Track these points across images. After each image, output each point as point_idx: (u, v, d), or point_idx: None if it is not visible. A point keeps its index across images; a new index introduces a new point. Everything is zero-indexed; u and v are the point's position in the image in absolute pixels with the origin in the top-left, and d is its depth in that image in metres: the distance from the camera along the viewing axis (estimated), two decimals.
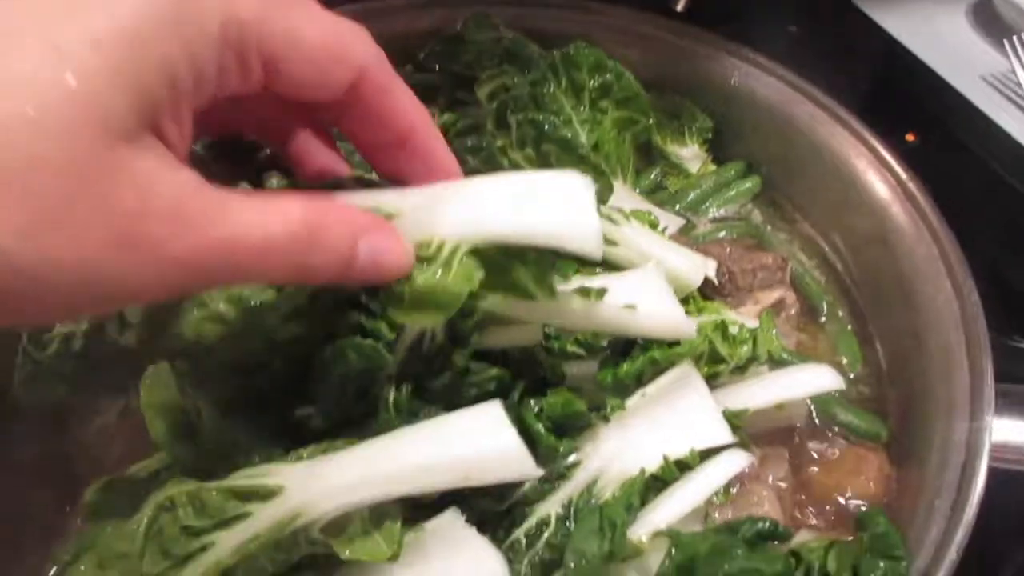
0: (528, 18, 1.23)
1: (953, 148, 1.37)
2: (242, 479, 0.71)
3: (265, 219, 0.55)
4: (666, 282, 0.87)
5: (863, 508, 0.86)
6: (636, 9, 1.20)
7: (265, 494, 0.70)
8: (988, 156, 1.36)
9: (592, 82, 1.05)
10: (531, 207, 0.67)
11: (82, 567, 0.73)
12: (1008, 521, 0.96)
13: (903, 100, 1.44)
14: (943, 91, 1.46)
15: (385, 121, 0.66)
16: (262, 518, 0.69)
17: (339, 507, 0.70)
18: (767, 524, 0.71)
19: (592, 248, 0.66)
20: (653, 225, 0.90)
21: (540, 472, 0.75)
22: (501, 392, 0.78)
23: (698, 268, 0.91)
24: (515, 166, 1.00)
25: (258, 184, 0.85)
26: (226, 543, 0.69)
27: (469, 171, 0.98)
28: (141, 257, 0.48)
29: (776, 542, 0.72)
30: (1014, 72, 1.47)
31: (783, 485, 0.90)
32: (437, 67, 1.16)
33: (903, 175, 0.97)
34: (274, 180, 0.85)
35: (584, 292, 0.77)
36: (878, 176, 0.99)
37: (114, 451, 0.91)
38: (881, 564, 0.66)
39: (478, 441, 0.70)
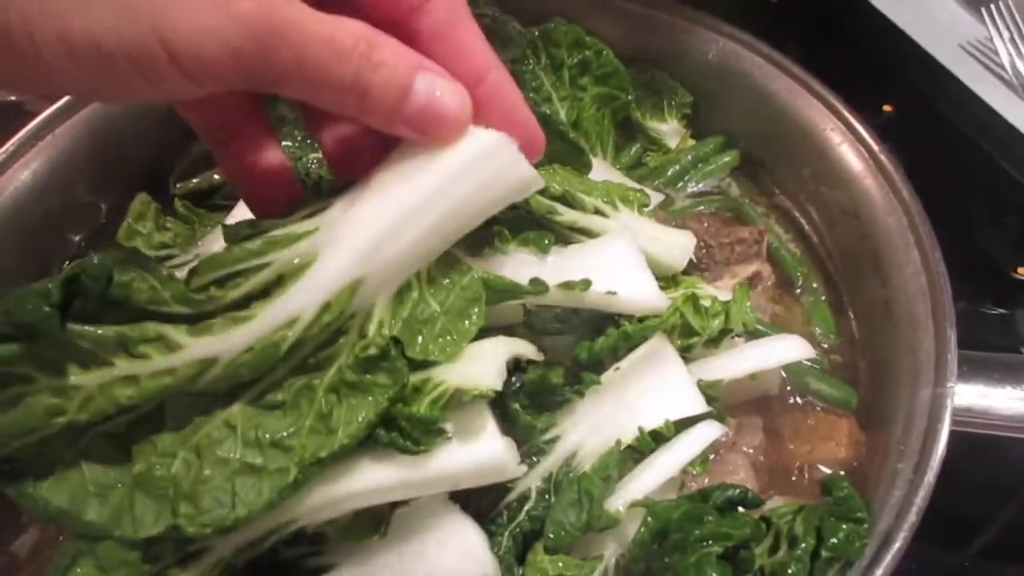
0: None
1: (930, 118, 1.39)
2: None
3: (333, 24, 0.54)
4: (640, 255, 0.89)
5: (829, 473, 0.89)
6: None
7: None
8: (965, 125, 1.38)
9: (571, 59, 1.06)
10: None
11: (82, 570, 0.71)
12: (977, 485, 1.00)
13: (881, 71, 1.45)
14: (921, 60, 1.48)
15: (457, 52, 0.63)
16: (257, 526, 0.71)
17: (333, 515, 0.74)
18: (737, 491, 0.74)
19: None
20: (643, 204, 0.92)
21: (524, 469, 0.78)
22: None
23: (684, 250, 0.93)
24: None
25: None
26: (221, 547, 0.72)
27: None
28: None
29: (746, 508, 0.75)
30: (991, 40, 1.48)
31: (757, 454, 0.93)
32: None
33: (876, 148, 0.99)
34: None
35: (569, 285, 0.79)
36: (851, 149, 1.01)
37: None
38: (844, 527, 0.68)
39: (466, 452, 0.72)
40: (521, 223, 0.92)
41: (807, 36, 1.50)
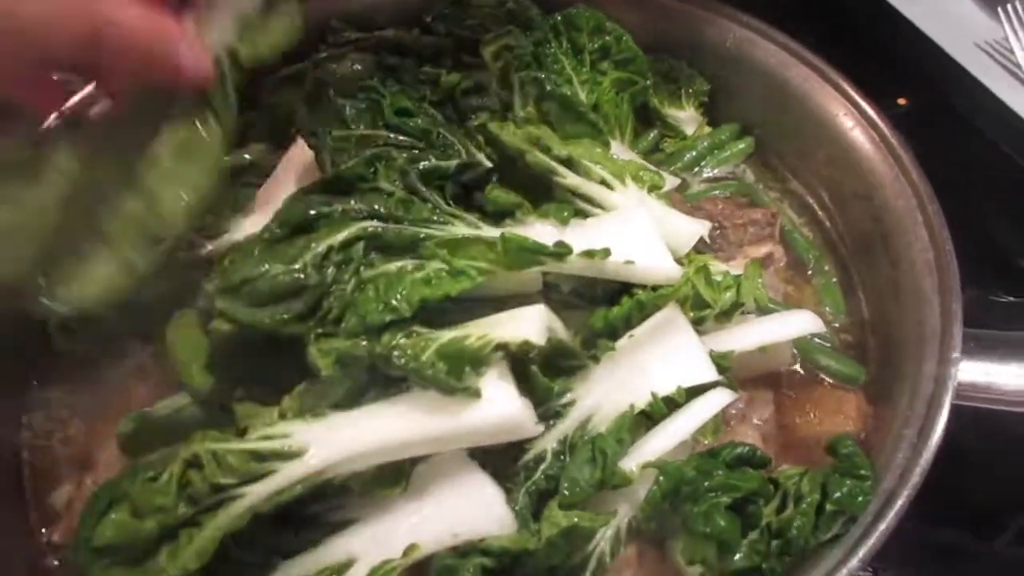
0: None
1: (944, 112, 1.41)
2: (262, 442, 0.78)
3: None
4: (654, 228, 0.93)
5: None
6: None
7: (287, 455, 0.76)
8: (979, 120, 1.40)
9: (592, 44, 1.09)
10: None
11: (117, 515, 0.77)
12: (983, 464, 1.02)
13: (897, 65, 1.47)
14: (937, 56, 1.50)
15: None
16: (287, 474, 0.76)
17: (359, 467, 0.78)
18: (746, 449, 0.77)
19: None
20: (656, 186, 0.96)
21: (541, 428, 0.82)
22: None
23: (690, 235, 0.97)
24: (518, 122, 1.04)
25: None
26: (253, 495, 0.76)
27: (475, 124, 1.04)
28: None
29: (754, 467, 0.78)
30: (1007, 39, 1.50)
31: (767, 426, 0.95)
32: (444, 30, 1.20)
33: (886, 131, 1.02)
34: None
35: (590, 253, 0.83)
36: (863, 133, 1.04)
37: (142, 389, 0.97)
38: (848, 482, 0.71)
39: (487, 409, 0.77)
40: (527, 179, 0.96)
41: (822, 31, 1.52)
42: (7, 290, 0.87)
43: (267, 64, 1.22)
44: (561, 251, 0.83)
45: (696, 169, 1.19)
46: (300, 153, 1.13)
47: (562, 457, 0.85)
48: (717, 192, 1.16)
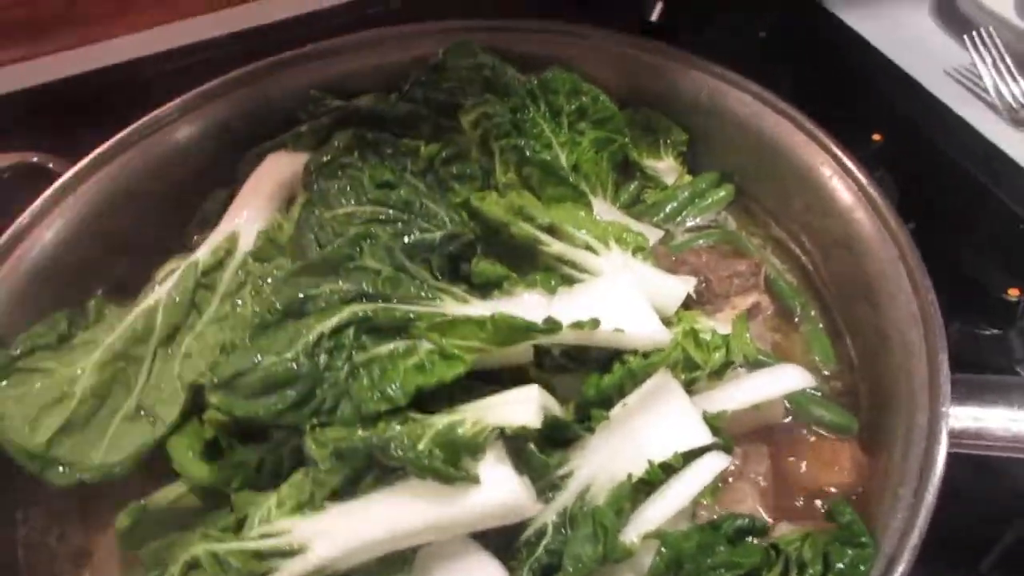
0: (506, 42, 1.28)
1: (919, 144, 1.42)
2: (262, 540, 0.78)
3: None
4: (641, 293, 0.94)
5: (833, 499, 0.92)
6: (611, 29, 1.26)
7: (289, 552, 0.76)
8: (953, 149, 1.41)
9: (569, 105, 1.11)
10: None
11: None
12: (979, 506, 1.03)
13: (870, 99, 1.49)
14: (908, 86, 1.52)
15: None
16: (289, 572, 0.77)
17: (359, 562, 0.78)
18: (746, 521, 0.78)
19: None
20: (640, 247, 0.97)
21: (541, 507, 0.82)
22: None
23: (675, 297, 0.98)
24: (500, 189, 1.05)
25: None
26: None
27: (457, 201, 1.05)
28: None
29: (755, 536, 0.78)
30: (975, 66, 1.53)
31: (764, 481, 0.95)
32: (421, 96, 1.21)
33: (865, 181, 1.03)
34: None
35: (579, 325, 0.83)
36: (842, 183, 1.05)
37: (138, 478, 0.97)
38: (849, 552, 0.72)
39: (487, 494, 0.77)
40: (510, 248, 0.97)
41: (796, 67, 1.55)
42: (34, 459, 0.89)
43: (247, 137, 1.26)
44: (551, 328, 0.83)
45: (679, 219, 1.21)
46: (271, 168, 1.15)
47: (563, 530, 0.85)
48: (701, 242, 1.17)
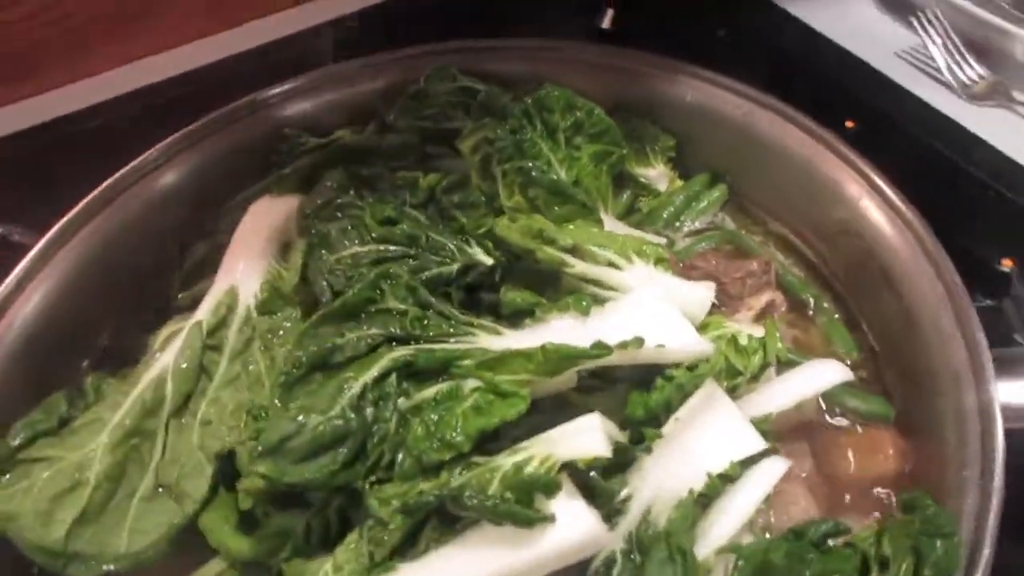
0: (477, 62, 1.27)
1: (889, 127, 1.46)
2: None
3: None
4: (673, 306, 0.92)
5: (885, 490, 0.93)
6: (584, 41, 1.26)
7: None
8: (919, 130, 1.45)
9: (565, 122, 1.09)
10: None
11: None
12: None
13: (834, 89, 1.52)
14: (866, 72, 1.57)
15: None
16: None
17: None
18: (830, 524, 0.77)
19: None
20: (661, 258, 0.95)
21: (613, 536, 0.80)
22: None
23: (702, 303, 0.97)
24: (508, 213, 1.03)
25: None
26: None
27: (459, 226, 1.03)
28: None
29: (837, 538, 0.77)
30: (924, 47, 1.58)
31: (810, 478, 0.95)
32: (405, 125, 1.18)
33: (867, 169, 1.04)
34: None
35: (623, 345, 0.81)
36: (845, 172, 1.06)
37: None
38: (938, 543, 0.72)
39: (564, 532, 0.75)
40: (531, 272, 0.95)
41: (757, 64, 1.57)
42: (54, 556, 0.84)
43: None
44: (601, 352, 0.81)
45: (677, 224, 1.20)
46: (259, 215, 1.11)
47: (632, 556, 0.83)
48: (704, 245, 1.17)
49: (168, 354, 0.99)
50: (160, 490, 0.93)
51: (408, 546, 0.79)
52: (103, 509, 0.91)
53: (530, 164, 1.02)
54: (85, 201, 1.13)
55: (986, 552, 0.73)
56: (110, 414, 0.95)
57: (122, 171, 1.16)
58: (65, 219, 1.11)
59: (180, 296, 1.16)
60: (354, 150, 1.17)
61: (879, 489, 0.94)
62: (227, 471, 0.92)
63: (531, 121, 1.07)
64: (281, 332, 0.99)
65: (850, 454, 0.97)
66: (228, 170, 1.21)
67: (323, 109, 1.28)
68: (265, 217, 1.11)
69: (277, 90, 1.25)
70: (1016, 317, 1.21)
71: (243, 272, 1.05)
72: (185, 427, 0.95)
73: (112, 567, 0.88)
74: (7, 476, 0.91)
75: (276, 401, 0.84)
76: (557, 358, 0.80)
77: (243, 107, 1.23)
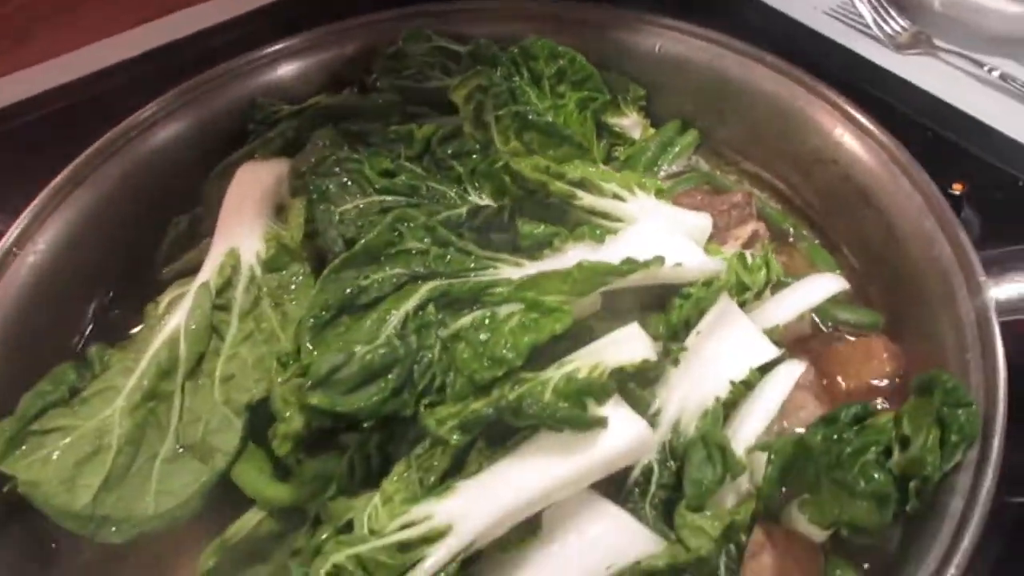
0: (449, 24, 1.29)
1: (824, 77, 1.53)
2: (405, 531, 0.74)
3: None
4: (679, 230, 0.97)
5: (883, 385, 0.99)
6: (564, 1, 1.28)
7: (434, 537, 0.73)
8: (854, 80, 1.54)
9: (549, 70, 1.12)
10: None
11: None
12: None
13: (772, 46, 1.60)
14: (800, 31, 1.65)
15: None
16: (437, 558, 0.73)
17: (499, 534, 0.76)
18: (858, 407, 0.82)
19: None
20: (660, 189, 0.99)
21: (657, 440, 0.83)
22: None
23: (703, 230, 1.02)
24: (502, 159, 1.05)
25: None
26: None
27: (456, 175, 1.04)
28: None
29: (868, 419, 0.82)
30: (852, 4, 1.68)
31: (815, 387, 1.00)
32: (387, 85, 1.19)
33: (838, 100, 1.11)
34: None
35: (646, 265, 0.85)
36: (814, 104, 1.13)
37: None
38: (959, 412, 0.77)
39: (616, 436, 0.77)
40: (540, 208, 0.97)
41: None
42: (83, 521, 0.81)
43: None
44: (631, 268, 0.84)
45: (655, 169, 1.25)
46: (249, 178, 1.10)
47: (668, 464, 0.87)
48: (682, 187, 1.22)
49: (177, 316, 0.97)
50: (181, 451, 0.91)
51: (458, 469, 0.80)
52: (127, 473, 0.89)
53: (525, 108, 1.05)
54: (63, 174, 1.10)
55: (999, 420, 0.80)
56: (123, 380, 0.93)
57: (96, 144, 1.14)
58: (43, 194, 1.08)
59: (165, 270, 1.14)
60: (338, 110, 1.17)
61: (880, 388, 1.00)
62: (254, 424, 0.91)
63: (518, 70, 1.09)
64: (293, 287, 0.99)
65: (847, 362, 1.03)
66: (205, 139, 1.20)
67: (294, 76, 1.28)
68: (255, 180, 1.10)
69: (249, 58, 1.24)
70: (969, 235, 1.31)
71: (241, 233, 1.04)
72: (202, 387, 0.94)
73: (146, 528, 0.86)
74: (21, 448, 0.88)
75: (308, 344, 0.84)
76: (590, 275, 0.83)
77: (216, 76, 1.22)
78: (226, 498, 0.89)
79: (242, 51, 1.26)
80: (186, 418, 0.92)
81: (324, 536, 0.80)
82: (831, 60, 1.59)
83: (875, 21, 1.65)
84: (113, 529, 0.86)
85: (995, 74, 1.49)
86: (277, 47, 1.26)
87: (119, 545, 0.88)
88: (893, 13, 1.65)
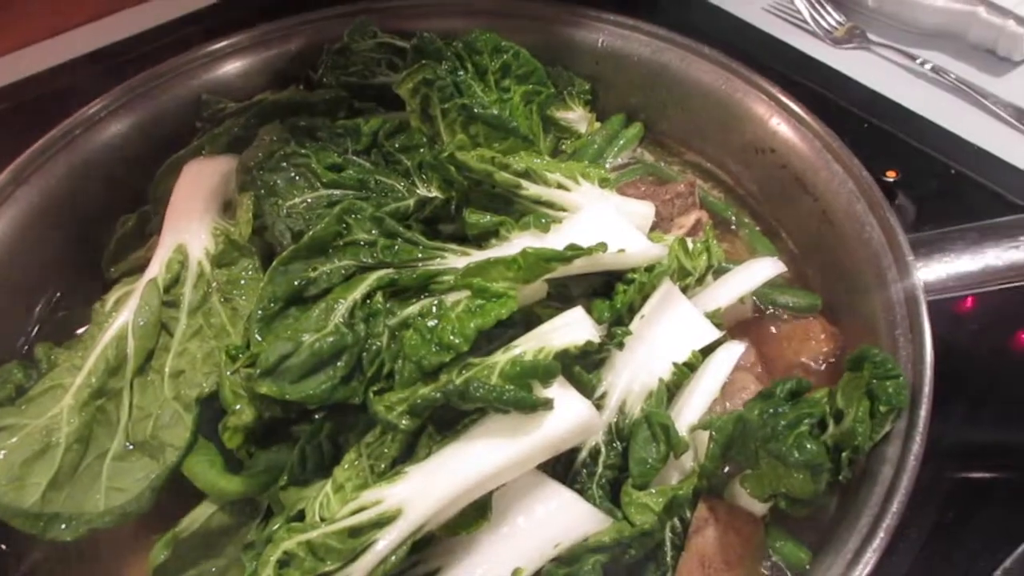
0: (391, 20, 1.30)
1: (763, 71, 1.58)
2: (356, 516, 0.76)
3: None
4: (623, 217, 0.99)
5: (822, 364, 1.03)
6: None
7: (385, 521, 0.74)
8: (791, 72, 1.58)
9: (494, 64, 1.14)
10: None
11: None
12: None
13: (713, 42, 1.64)
14: (737, 25, 1.69)
15: None
16: (388, 541, 0.75)
17: (449, 516, 0.77)
18: (793, 382, 0.85)
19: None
20: (605, 179, 1.02)
21: (603, 421, 0.85)
22: None
23: (646, 217, 1.04)
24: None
25: None
26: (358, 572, 0.75)
27: (404, 168, 1.06)
28: None
29: (801, 394, 0.86)
30: (791, 1, 1.73)
31: (757, 368, 1.04)
32: (333, 80, 1.20)
33: (773, 90, 1.15)
34: None
35: (589, 251, 0.87)
36: (752, 96, 1.16)
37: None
38: (888, 383, 0.81)
39: (562, 417, 0.79)
40: (487, 198, 0.99)
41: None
42: (33, 519, 0.81)
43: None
44: (575, 253, 0.86)
45: (601, 160, 1.27)
46: (196, 174, 1.10)
47: (614, 445, 0.89)
48: (627, 179, 1.24)
49: (125, 313, 0.96)
50: (131, 447, 0.91)
51: (408, 455, 0.81)
52: (76, 470, 0.88)
53: (471, 101, 1.06)
54: (6, 172, 1.09)
55: (926, 391, 0.83)
56: (70, 378, 0.92)
57: (40, 142, 1.13)
58: None
59: (112, 269, 1.14)
60: (285, 106, 1.17)
61: (815, 367, 1.03)
62: (204, 418, 0.91)
63: (463, 64, 1.11)
64: (242, 282, 0.99)
65: (786, 343, 1.06)
66: (151, 136, 1.20)
67: (239, 73, 1.28)
68: (201, 176, 1.10)
69: (193, 55, 1.24)
70: (901, 222, 1.36)
71: (189, 229, 1.04)
72: (151, 384, 0.94)
73: (97, 525, 0.86)
74: None
75: (256, 336, 0.85)
76: (535, 261, 0.85)
77: (161, 73, 1.22)
78: (178, 493, 0.89)
79: (187, 49, 1.26)
80: (136, 415, 0.92)
81: (276, 526, 0.81)
82: (770, 54, 1.63)
83: (812, 17, 1.70)
84: (63, 527, 0.86)
85: (927, 67, 1.55)
86: (222, 44, 1.27)
87: (70, 544, 0.88)
88: (829, 9, 1.71)
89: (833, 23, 1.69)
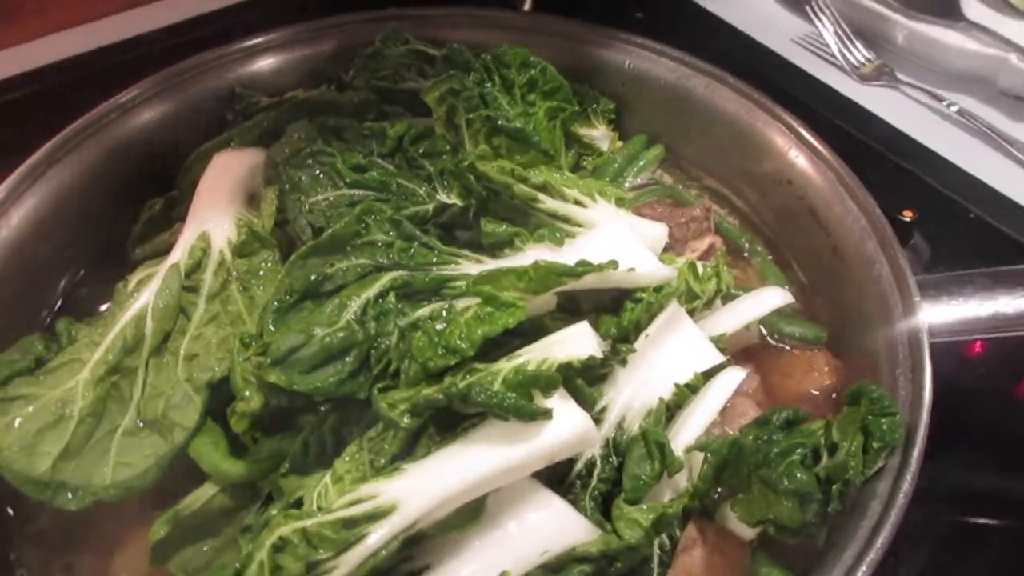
0: (422, 29, 1.32)
1: (790, 102, 1.58)
2: (351, 508, 0.78)
3: None
4: (636, 237, 1.01)
5: (823, 396, 1.04)
6: (538, 13, 1.33)
7: (379, 515, 0.76)
8: (820, 107, 1.59)
9: (521, 78, 1.16)
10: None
11: None
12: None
13: (741, 71, 1.65)
14: (765, 55, 1.71)
15: None
16: (380, 535, 0.76)
17: (443, 515, 0.79)
18: (789, 412, 0.86)
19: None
20: (622, 198, 1.04)
21: (600, 435, 0.87)
22: None
23: (658, 239, 1.06)
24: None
25: None
26: (346, 565, 0.77)
27: (426, 174, 1.08)
28: None
29: (797, 425, 0.87)
30: (819, 35, 1.74)
31: (758, 395, 1.05)
32: (364, 83, 1.23)
33: (793, 123, 1.16)
34: None
35: (600, 267, 0.89)
36: (772, 127, 1.18)
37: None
38: (883, 420, 0.82)
39: (559, 427, 0.81)
40: (504, 209, 1.01)
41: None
42: (42, 486, 0.83)
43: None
44: (585, 269, 0.88)
45: (620, 180, 1.29)
46: (224, 165, 1.13)
47: (610, 459, 0.91)
48: (645, 198, 1.26)
49: (146, 294, 0.99)
50: (141, 424, 0.93)
51: (407, 453, 0.83)
52: (86, 443, 0.91)
53: (495, 114, 1.09)
54: (41, 151, 1.12)
55: (921, 432, 0.84)
56: (88, 354, 0.95)
57: (75, 124, 1.16)
58: (20, 169, 1.10)
59: (137, 250, 1.17)
60: (315, 105, 1.20)
61: (817, 399, 1.04)
62: (214, 402, 0.94)
63: (490, 76, 1.14)
64: (261, 273, 1.02)
65: (790, 373, 1.08)
66: (183, 125, 1.23)
67: (273, 70, 1.31)
68: (229, 168, 1.13)
69: (229, 49, 1.27)
70: (917, 262, 1.37)
71: (214, 218, 1.07)
72: (166, 364, 0.96)
73: (102, 497, 0.89)
74: None
75: (270, 326, 0.87)
76: (546, 274, 0.87)
77: (197, 65, 1.25)
78: (182, 473, 0.92)
79: (224, 43, 1.29)
80: (148, 393, 0.95)
81: (274, 512, 0.83)
82: (796, 86, 1.64)
83: (840, 52, 1.71)
84: (69, 496, 0.88)
85: (953, 109, 1.56)
86: (258, 40, 1.30)
87: (74, 513, 0.91)
88: (859, 45, 1.72)
89: (862, 59, 1.70)
